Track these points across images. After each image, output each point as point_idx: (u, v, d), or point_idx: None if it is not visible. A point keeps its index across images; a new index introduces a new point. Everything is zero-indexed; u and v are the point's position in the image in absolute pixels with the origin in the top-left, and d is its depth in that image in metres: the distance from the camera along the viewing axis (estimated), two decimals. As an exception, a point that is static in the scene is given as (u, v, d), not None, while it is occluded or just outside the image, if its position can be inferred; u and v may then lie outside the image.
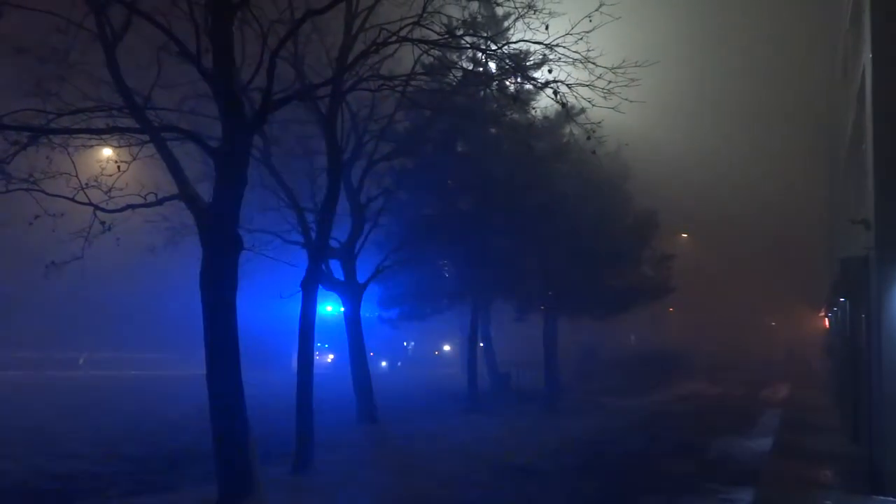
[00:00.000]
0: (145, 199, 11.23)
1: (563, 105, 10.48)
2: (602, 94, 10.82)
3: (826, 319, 32.83)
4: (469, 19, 13.14)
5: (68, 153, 10.81)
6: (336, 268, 19.50)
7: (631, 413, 24.48)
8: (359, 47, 13.54)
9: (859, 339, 16.24)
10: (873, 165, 12.87)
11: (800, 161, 47.59)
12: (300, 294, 13.66)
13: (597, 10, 10.31)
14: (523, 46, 12.18)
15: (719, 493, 11.92)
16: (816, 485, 12.98)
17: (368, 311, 26.01)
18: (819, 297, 35.12)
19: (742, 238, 60.25)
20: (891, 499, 11.40)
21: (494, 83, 13.57)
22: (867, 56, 13.48)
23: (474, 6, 13.55)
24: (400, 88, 12.04)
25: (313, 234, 16.08)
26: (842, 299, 20.17)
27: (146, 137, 10.83)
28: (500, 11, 15.94)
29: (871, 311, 13.56)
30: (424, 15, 10.82)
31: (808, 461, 15.21)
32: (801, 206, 50.30)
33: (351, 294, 19.15)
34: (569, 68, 10.87)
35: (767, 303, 68.15)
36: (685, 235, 55.60)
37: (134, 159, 11.40)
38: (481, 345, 28.53)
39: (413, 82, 12.47)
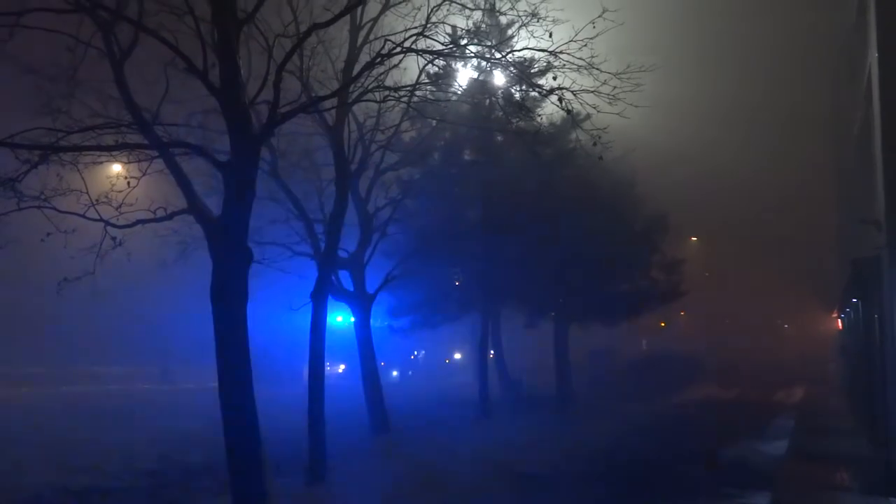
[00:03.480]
0: (155, 213, 11.31)
1: (569, 112, 10.48)
2: (607, 100, 10.83)
3: (839, 321, 32.59)
4: (473, 28, 13.17)
5: (79, 170, 10.88)
6: (345, 278, 19.55)
7: (643, 418, 24.35)
8: (364, 59, 13.63)
9: (873, 340, 16.12)
10: (882, 164, 12.83)
11: (809, 161, 47.43)
12: (310, 306, 13.70)
13: (600, 16, 10.31)
14: (527, 54, 12.19)
15: (736, 498, 11.84)
16: (833, 488, 12.86)
17: (379, 320, 26.03)
18: (832, 299, 34.88)
19: (752, 240, 59.98)
20: (909, 501, 11.29)
21: (499, 91, 13.60)
22: (873, 55, 13.46)
23: (478, 15, 13.59)
24: (405, 99, 12.08)
25: (322, 245, 16.13)
26: (854, 300, 20.04)
27: (155, 153, 10.92)
28: (503, 20, 15.95)
29: (885, 312, 13.48)
30: (428, 25, 10.86)
31: (825, 464, 15.08)
32: (811, 206, 50.08)
33: (361, 304, 19.18)
34: (573, 75, 10.87)
35: (780, 305, 67.72)
36: (695, 239, 55.39)
37: (143, 175, 11.47)
38: (492, 353, 28.46)
39: (418, 92, 12.53)
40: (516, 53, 12.07)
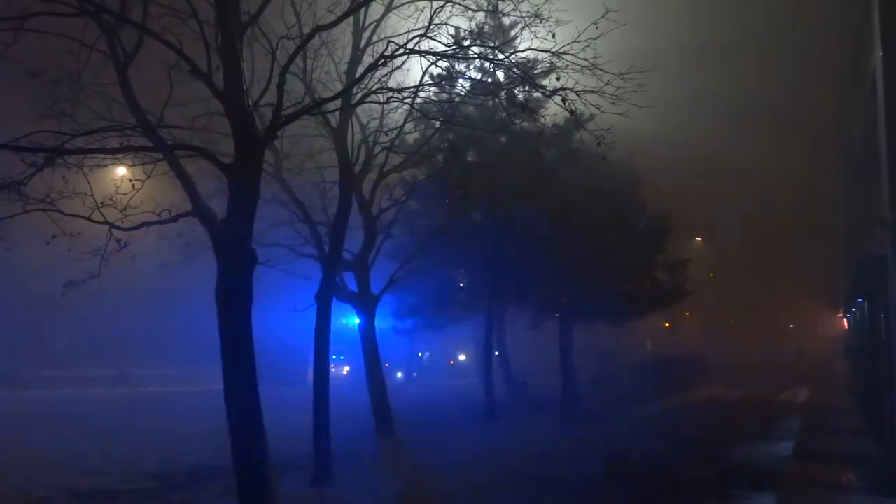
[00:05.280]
0: (160, 216, 11.32)
1: (572, 112, 10.46)
2: (611, 101, 10.82)
3: (845, 320, 32.48)
4: (476, 30, 13.19)
5: (83, 173, 10.91)
6: (350, 280, 19.56)
7: (649, 419, 24.30)
8: (367, 60, 13.65)
9: (879, 340, 16.07)
10: (887, 163, 12.80)
11: (814, 161, 47.35)
12: (315, 307, 13.72)
13: (603, 16, 10.30)
14: (531, 55, 12.21)
15: (742, 500, 11.81)
16: (840, 488, 12.81)
17: (383, 322, 26.03)
18: (837, 298, 34.77)
19: (758, 240, 59.93)
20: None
21: (503, 92, 13.61)
22: (877, 55, 13.43)
23: (481, 17, 13.60)
24: (409, 100, 12.09)
25: (326, 247, 16.15)
26: (860, 300, 19.98)
27: (159, 155, 10.94)
28: (506, 21, 15.95)
29: (890, 311, 13.44)
30: (431, 27, 10.87)
31: (832, 465, 15.03)
32: (816, 206, 49.98)
33: (365, 306, 19.18)
34: (577, 75, 10.86)
35: (785, 305, 67.59)
36: (699, 239, 55.30)
37: (148, 177, 11.49)
38: (497, 354, 28.44)
39: (422, 94, 12.54)
40: (519, 54, 12.08)
